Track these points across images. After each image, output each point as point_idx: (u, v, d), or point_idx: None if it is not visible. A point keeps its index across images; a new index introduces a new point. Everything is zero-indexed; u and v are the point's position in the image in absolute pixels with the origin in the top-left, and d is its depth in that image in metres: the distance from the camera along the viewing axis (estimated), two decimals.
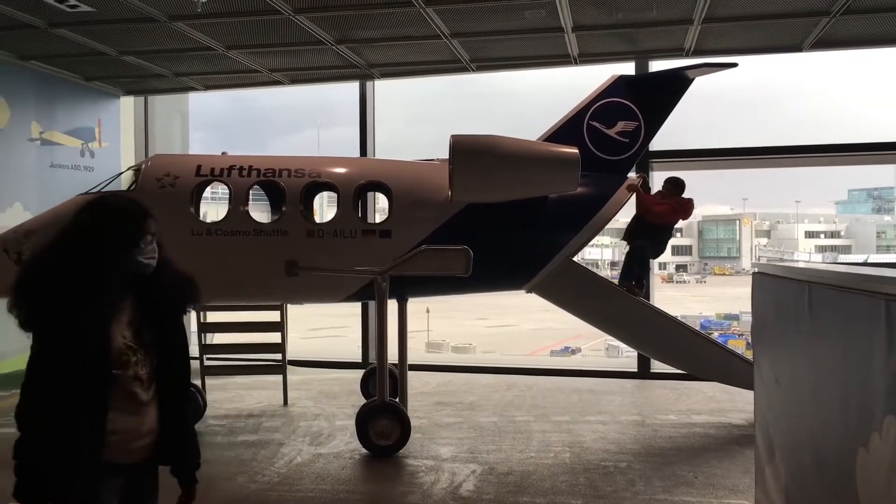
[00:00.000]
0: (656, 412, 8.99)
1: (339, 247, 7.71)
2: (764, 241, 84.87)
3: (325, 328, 28.42)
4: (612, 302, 8.37)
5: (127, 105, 13.54)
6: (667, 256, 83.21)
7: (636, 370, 11.50)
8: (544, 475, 6.58)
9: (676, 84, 8.52)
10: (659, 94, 8.57)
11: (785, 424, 4.65)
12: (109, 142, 13.00)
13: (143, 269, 2.98)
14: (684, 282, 68.87)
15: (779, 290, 4.74)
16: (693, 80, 8.48)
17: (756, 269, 5.58)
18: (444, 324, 38.36)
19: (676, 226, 9.07)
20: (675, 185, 8.70)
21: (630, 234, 8.81)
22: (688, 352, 8.59)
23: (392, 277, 7.43)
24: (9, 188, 11.08)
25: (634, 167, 10.84)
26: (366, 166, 8.58)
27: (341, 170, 8.12)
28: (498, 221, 7.83)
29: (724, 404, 9.12)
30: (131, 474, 2.92)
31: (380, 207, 11.58)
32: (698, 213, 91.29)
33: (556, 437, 7.83)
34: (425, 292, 8.36)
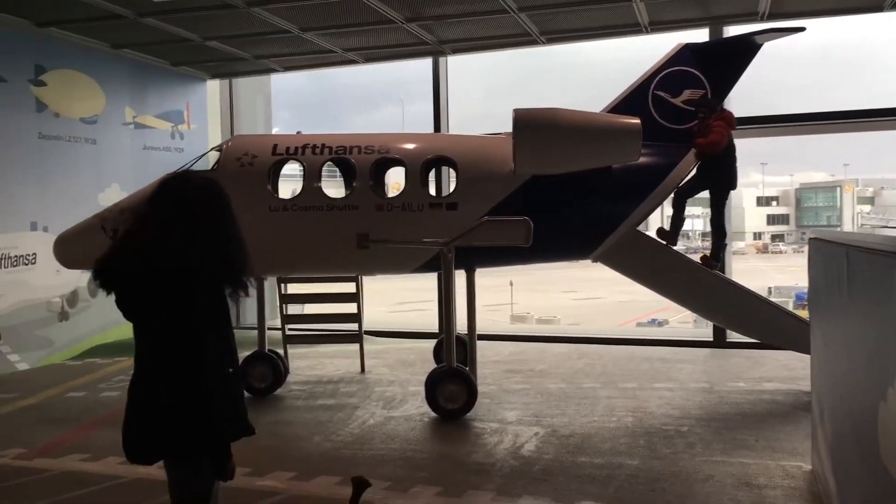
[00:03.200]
0: (726, 380, 9.01)
1: (408, 220, 8.02)
2: (867, 208, 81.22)
3: (412, 302, 29.08)
4: (678, 270, 8.42)
5: (213, 88, 14.22)
6: (762, 226, 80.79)
7: (712, 339, 11.48)
8: (605, 437, 6.78)
9: (743, 50, 8.42)
10: (725, 62, 8.50)
11: (830, 386, 4.73)
12: (197, 124, 13.71)
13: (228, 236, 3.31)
14: (780, 252, 66.67)
15: (827, 255, 4.80)
16: (761, 46, 8.36)
17: (811, 236, 5.61)
18: (530, 297, 38.55)
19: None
20: (707, 106, 8.31)
21: (698, 185, 8.43)
22: (757, 319, 8.57)
23: (458, 249, 7.69)
24: (107, 170, 11.88)
25: None
26: (433, 141, 8.84)
27: (409, 146, 8.41)
28: (562, 192, 7.96)
29: (796, 372, 9.05)
30: None
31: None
32: (796, 179, 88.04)
33: (621, 403, 7.99)
34: (491, 263, 8.60)
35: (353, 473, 3.94)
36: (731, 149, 8.40)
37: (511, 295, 38.00)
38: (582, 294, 42.52)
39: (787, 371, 9.25)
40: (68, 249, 8.44)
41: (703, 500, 5.23)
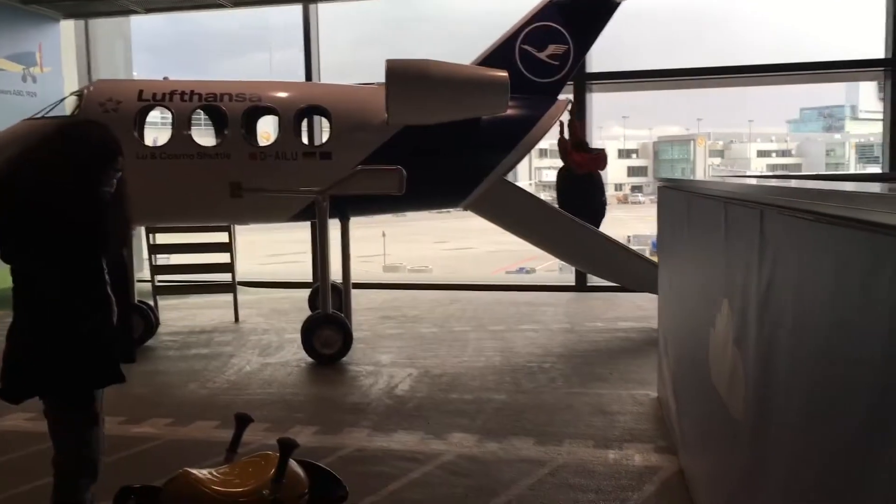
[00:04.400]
0: (585, 320, 9.64)
1: (282, 168, 8.05)
2: (717, 160, 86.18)
3: (284, 254, 28.79)
4: (542, 219, 8.90)
5: (68, 29, 13.47)
6: (622, 177, 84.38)
7: (574, 284, 12.16)
8: (474, 376, 7.18)
9: (602, 8, 8.86)
10: (587, 19, 8.91)
11: (672, 320, 5.25)
12: (51, 66, 12.98)
13: (103, 196, 3.36)
14: (640, 202, 69.93)
15: (672, 201, 5.27)
16: (619, 4, 8.82)
17: (659, 184, 6.10)
18: (403, 248, 38.93)
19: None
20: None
21: (565, 193, 9.24)
22: (613, 263, 9.20)
23: (333, 198, 7.82)
24: None
25: (572, 89, 11.34)
26: (306, 91, 8.86)
27: (282, 94, 8.39)
28: (433, 143, 8.21)
29: (648, 312, 9.74)
30: None
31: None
32: (654, 133, 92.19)
33: (490, 344, 8.43)
34: (365, 211, 8.79)
35: (232, 417, 4.05)
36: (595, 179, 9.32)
37: (384, 246, 38.25)
38: (453, 244, 43.29)
39: (640, 311, 9.97)
40: None
41: (561, 427, 5.70)
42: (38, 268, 3.30)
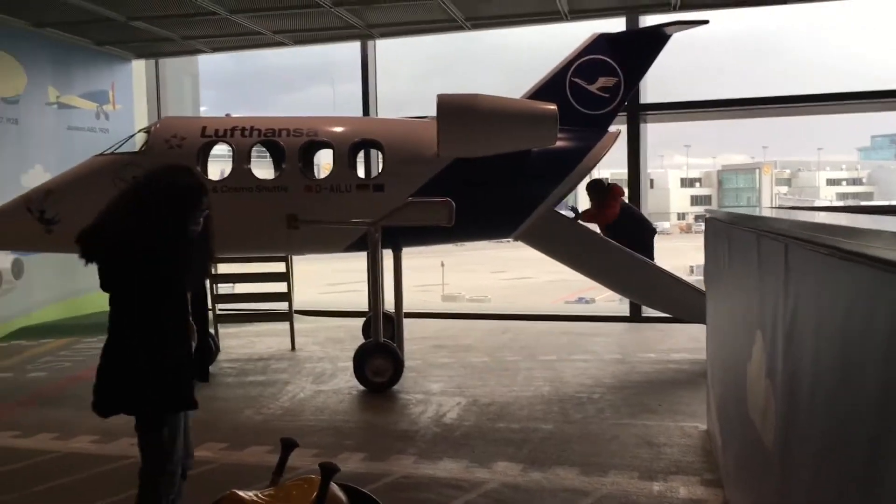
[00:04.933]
0: (638, 351, 9.59)
1: (336, 200, 8.28)
2: (784, 189, 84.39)
3: (344, 283, 29.24)
4: (590, 247, 8.94)
5: (139, 68, 14.10)
6: (686, 206, 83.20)
7: (628, 315, 12.09)
8: (522, 405, 7.22)
9: (653, 41, 8.93)
10: (637, 51, 8.99)
11: (716, 351, 5.24)
12: (123, 104, 13.60)
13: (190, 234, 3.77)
14: (703, 232, 68.57)
15: (716, 232, 5.28)
16: (669, 36, 8.88)
17: (707, 215, 6.11)
18: (461, 278, 39.15)
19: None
20: (595, 190, 9.89)
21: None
22: (665, 294, 9.15)
23: (385, 228, 8.00)
24: (30, 151, 11.74)
25: (625, 119, 11.40)
26: (360, 125, 9.11)
27: (337, 129, 8.66)
28: (484, 175, 8.34)
29: (702, 343, 9.59)
30: None
31: None
32: (718, 162, 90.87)
33: (540, 374, 8.46)
34: (417, 242, 8.94)
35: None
36: (626, 211, 9.85)
37: (442, 275, 38.50)
38: (511, 274, 43.31)
39: (694, 343, 9.84)
40: None
41: (607, 458, 5.70)
42: (129, 298, 3.67)
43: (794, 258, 2.61)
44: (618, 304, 24.80)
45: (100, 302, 13.32)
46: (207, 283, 4.48)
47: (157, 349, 3.67)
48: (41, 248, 9.29)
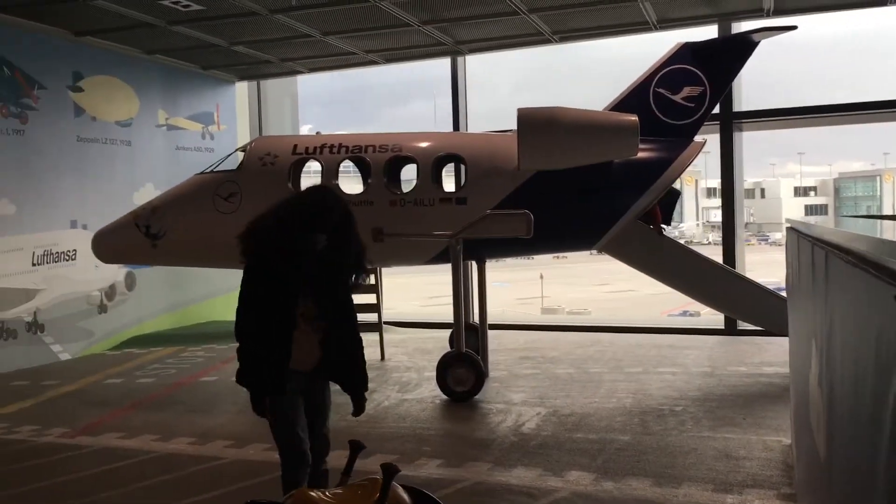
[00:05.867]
0: (728, 364, 9.38)
1: (420, 214, 8.51)
2: None
3: (444, 296, 29.56)
4: (676, 258, 8.82)
5: (242, 90, 14.84)
6: (800, 216, 79.80)
7: (723, 327, 11.81)
8: (602, 416, 7.22)
9: (739, 48, 8.77)
10: (722, 59, 8.84)
11: (792, 363, 5.14)
12: (227, 124, 14.34)
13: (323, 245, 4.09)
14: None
15: (791, 243, 5.19)
16: (757, 43, 8.70)
17: (787, 225, 5.99)
18: (561, 290, 38.87)
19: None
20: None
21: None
22: (757, 306, 8.93)
23: (467, 241, 8.16)
24: (141, 170, 12.56)
25: (718, 128, 11.22)
26: (443, 140, 9.31)
27: (421, 144, 8.90)
28: (565, 186, 8.40)
29: None
30: (305, 378, 4.18)
31: None
32: (834, 169, 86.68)
33: (624, 386, 8.41)
34: (500, 254, 9.08)
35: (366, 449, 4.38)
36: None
37: (541, 288, 38.33)
38: (614, 287, 42.64)
39: (788, 356, 9.56)
40: (105, 246, 9.09)
41: (682, 470, 5.65)
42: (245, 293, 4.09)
43: (832, 267, 2.61)
44: (722, 315, 24.22)
45: (204, 313, 14.04)
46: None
47: (245, 341, 4.07)
48: (148, 262, 9.93)
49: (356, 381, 4.34)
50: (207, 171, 9.19)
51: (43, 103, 10.94)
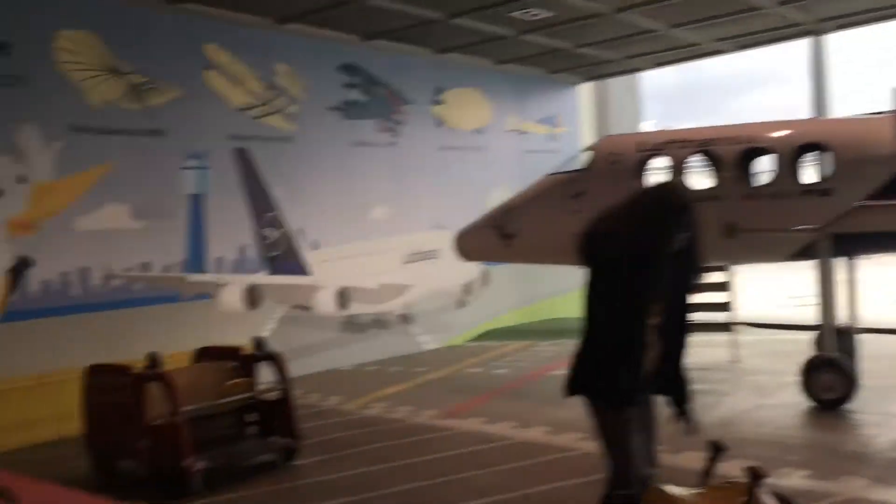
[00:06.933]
0: None
1: (778, 207, 7.95)
2: None
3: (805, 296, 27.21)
4: None
5: (583, 90, 15.14)
6: None
7: None
8: None
9: None
10: None
11: None
12: (570, 125, 14.73)
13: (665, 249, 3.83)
14: None
15: None
16: None
17: None
18: None
19: None
20: None
21: None
22: None
23: (837, 235, 7.45)
24: (493, 173, 13.39)
25: None
26: (804, 127, 8.61)
27: (778, 133, 8.31)
28: None
29: None
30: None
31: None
32: None
33: None
34: (875, 250, 8.17)
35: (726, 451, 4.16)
36: None
37: None
38: None
39: None
40: (465, 244, 9.83)
41: None
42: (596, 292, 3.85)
43: None
44: None
45: (552, 309, 14.57)
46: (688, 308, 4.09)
47: (593, 341, 3.82)
48: (501, 259, 10.53)
49: (685, 393, 4.05)
50: (556, 171, 9.50)
51: (410, 117, 12.17)
